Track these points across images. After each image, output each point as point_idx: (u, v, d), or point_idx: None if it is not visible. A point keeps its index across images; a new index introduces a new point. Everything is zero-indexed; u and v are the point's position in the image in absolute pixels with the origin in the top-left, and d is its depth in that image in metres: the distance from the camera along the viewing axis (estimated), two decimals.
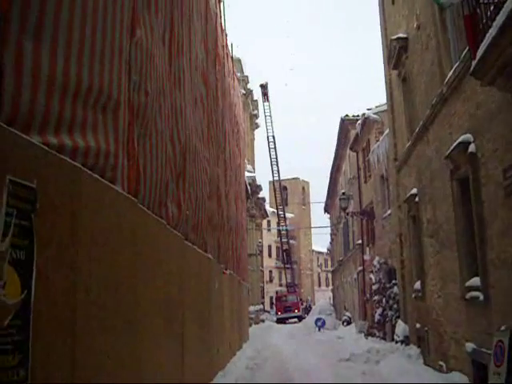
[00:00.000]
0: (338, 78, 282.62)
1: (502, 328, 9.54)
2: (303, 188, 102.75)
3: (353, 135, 31.71)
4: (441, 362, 14.02)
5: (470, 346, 11.44)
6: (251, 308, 45.00)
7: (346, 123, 34.20)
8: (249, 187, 43.28)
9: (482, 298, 10.52)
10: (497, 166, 9.62)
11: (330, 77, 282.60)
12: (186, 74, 10.04)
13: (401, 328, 19.32)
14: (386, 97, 21.76)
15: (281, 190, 64.31)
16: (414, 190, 16.70)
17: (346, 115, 34.18)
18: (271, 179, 64.36)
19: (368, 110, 28.31)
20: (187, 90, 10.15)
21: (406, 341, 18.76)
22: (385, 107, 24.60)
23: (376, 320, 23.69)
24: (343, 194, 30.20)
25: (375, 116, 26.66)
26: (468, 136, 11.15)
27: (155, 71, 7.39)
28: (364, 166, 29.60)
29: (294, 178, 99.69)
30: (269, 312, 64.81)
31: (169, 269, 8.02)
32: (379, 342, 22.34)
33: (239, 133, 24.27)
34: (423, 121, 15.14)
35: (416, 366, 14.73)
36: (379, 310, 23.18)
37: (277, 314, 58.60)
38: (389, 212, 22.89)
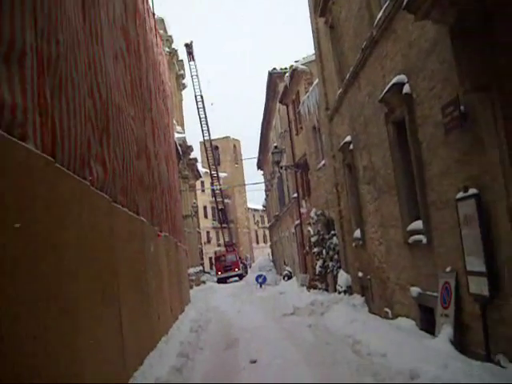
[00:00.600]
0: (266, 32, 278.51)
1: (448, 269, 9.38)
2: (234, 146, 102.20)
3: (282, 88, 31.27)
4: (386, 309, 13.92)
5: (415, 290, 11.30)
6: (191, 270, 44.61)
7: (274, 77, 33.68)
8: (179, 148, 42.54)
9: (425, 240, 10.33)
10: (434, 104, 9.33)
11: (257, 32, 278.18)
12: (103, 27, 9.32)
13: (343, 278, 19.23)
14: (313, 46, 21.33)
15: (212, 149, 63.67)
16: (348, 138, 16.42)
17: (274, 68, 33.64)
18: (202, 140, 63.52)
19: (296, 62, 27.89)
20: (106, 43, 9.45)
21: (348, 291, 18.69)
22: (313, 58, 24.28)
23: (317, 272, 23.59)
24: (275, 147, 29.73)
25: (303, 67, 26.26)
26: (402, 77, 10.83)
27: (67, 20, 6.71)
28: (295, 118, 29.25)
29: (224, 137, 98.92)
30: (209, 273, 64.67)
31: (97, 233, 7.44)
32: (322, 294, 22.27)
33: (165, 92, 23.49)
34: (353, 66, 14.79)
35: (361, 314, 14.59)
36: (320, 262, 23.06)
37: (217, 274, 58.48)
38: (323, 163, 22.66)
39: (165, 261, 15.58)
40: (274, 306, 22.14)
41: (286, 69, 31.06)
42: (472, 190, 7.88)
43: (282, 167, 29.23)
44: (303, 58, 27.10)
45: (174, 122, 45.99)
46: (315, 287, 25.07)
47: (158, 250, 14.14)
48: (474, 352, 8.35)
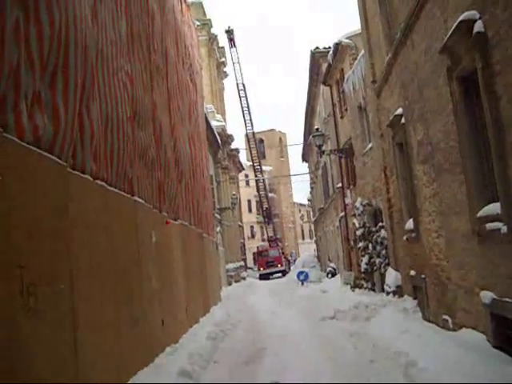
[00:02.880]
0: (308, 12, 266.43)
1: None
2: (280, 139, 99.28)
3: (325, 70, 28.53)
4: (445, 316, 11.24)
5: (487, 295, 8.61)
6: (230, 266, 42.48)
7: (316, 57, 30.93)
8: (218, 136, 40.38)
9: (505, 229, 7.61)
10: None
11: (298, 12, 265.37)
12: None
13: (392, 277, 16.57)
14: (358, 11, 18.63)
15: (255, 141, 61.17)
16: (399, 110, 13.74)
17: (317, 48, 30.88)
18: (245, 131, 60.80)
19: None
20: None
21: (398, 291, 16.05)
22: (358, 31, 21.79)
23: (363, 269, 20.90)
24: (316, 129, 26.85)
25: (348, 41, 23.52)
26: (472, 12, 8.13)
27: None
28: (339, 99, 26.49)
29: (270, 130, 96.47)
30: (252, 269, 62.47)
31: (37, 209, 5.06)
32: (368, 295, 19.61)
33: (193, 67, 21.14)
34: (405, 21, 12.13)
35: (414, 323, 11.90)
36: (365, 258, 20.38)
37: (259, 269, 56.12)
38: (370, 146, 19.97)
39: (179, 253, 13.16)
40: (313, 307, 19.61)
41: (329, 48, 28.29)
42: None
43: (323, 152, 26.40)
44: (347, 33, 24.31)
45: (213, 109, 43.91)
46: (360, 286, 22.38)
47: (166, 240, 11.74)
48: None
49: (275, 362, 10.45)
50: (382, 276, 18.54)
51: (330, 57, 26.16)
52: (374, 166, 19.24)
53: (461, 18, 8.30)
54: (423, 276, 13.01)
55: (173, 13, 16.74)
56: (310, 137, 27.67)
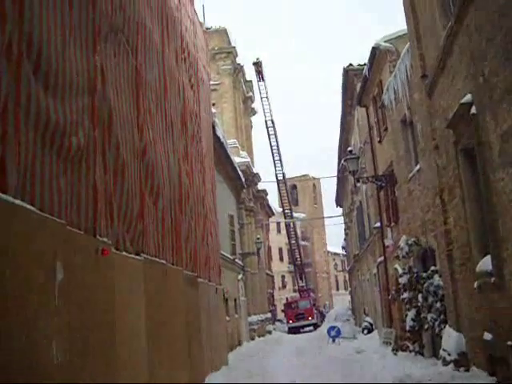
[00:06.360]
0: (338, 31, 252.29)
1: None
2: (314, 185, 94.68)
3: (360, 87, 24.18)
4: None
5: None
6: (253, 318, 38.00)
7: (350, 75, 26.46)
8: (241, 174, 36.29)
9: None
10: None
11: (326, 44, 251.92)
12: None
13: (452, 339, 12.00)
14: None
15: (285, 182, 56.75)
16: (467, 97, 9.40)
17: (350, 64, 26.41)
18: (279, 179, 55.90)
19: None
20: None
21: (461, 361, 11.43)
22: (398, 33, 18.13)
23: (408, 327, 16.19)
24: (350, 152, 22.20)
25: (387, 44, 19.20)
26: None
27: None
28: (377, 119, 22.04)
29: (303, 176, 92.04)
30: (281, 321, 57.70)
31: None
32: (416, 361, 14.88)
33: (196, 71, 17.19)
34: None
35: None
36: (412, 313, 15.73)
37: (288, 322, 51.42)
38: (417, 168, 15.50)
39: (140, 302, 8.77)
40: (345, 378, 14.91)
41: (364, 64, 23.91)
42: None
43: (358, 180, 21.91)
44: (385, 36, 19.94)
45: (237, 144, 39.98)
46: (404, 348, 17.64)
47: (104, 279, 7.39)
48: None
49: None
50: (436, 337, 13.96)
51: (365, 68, 21.88)
52: (423, 193, 14.79)
53: None
54: (510, 343, 8.43)
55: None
56: (342, 161, 23.20)
